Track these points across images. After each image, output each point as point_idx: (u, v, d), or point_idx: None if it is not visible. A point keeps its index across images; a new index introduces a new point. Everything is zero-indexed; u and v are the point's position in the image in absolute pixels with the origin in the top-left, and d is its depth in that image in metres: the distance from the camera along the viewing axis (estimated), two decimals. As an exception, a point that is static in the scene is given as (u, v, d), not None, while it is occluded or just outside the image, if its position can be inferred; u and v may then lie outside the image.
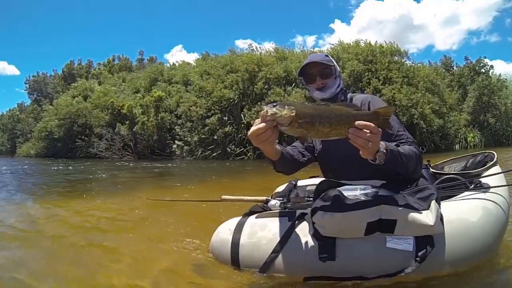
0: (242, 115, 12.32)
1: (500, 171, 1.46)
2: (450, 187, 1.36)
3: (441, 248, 1.05)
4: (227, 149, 12.18)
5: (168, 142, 14.20)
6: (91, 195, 3.84)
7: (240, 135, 12.28)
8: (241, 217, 1.29)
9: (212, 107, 12.53)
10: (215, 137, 12.31)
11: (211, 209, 2.43)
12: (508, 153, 9.69)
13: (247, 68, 12.65)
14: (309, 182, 1.64)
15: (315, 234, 1.09)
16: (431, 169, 1.67)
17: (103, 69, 25.58)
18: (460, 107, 16.77)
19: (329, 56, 1.42)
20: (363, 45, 14.17)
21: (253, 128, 0.97)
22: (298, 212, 1.21)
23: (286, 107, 0.94)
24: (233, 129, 12.29)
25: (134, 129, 14.72)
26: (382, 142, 1.03)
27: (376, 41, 14.42)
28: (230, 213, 2.16)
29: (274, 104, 0.96)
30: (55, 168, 9.24)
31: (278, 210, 1.29)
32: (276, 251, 1.12)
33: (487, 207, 1.19)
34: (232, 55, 14.63)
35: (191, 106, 12.85)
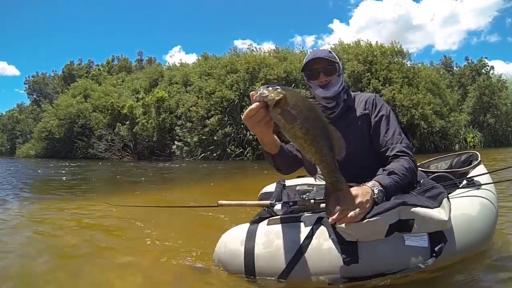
0: (241, 115, 12.28)
1: (485, 169, 1.60)
2: (444, 185, 1.41)
3: (451, 241, 1.15)
4: (227, 149, 12.17)
5: (168, 143, 14.17)
6: (85, 198, 3.81)
7: (239, 135, 12.26)
8: (248, 224, 1.24)
9: (213, 108, 12.51)
10: (215, 138, 12.29)
11: (210, 213, 2.41)
12: (508, 154, 9.68)
13: (248, 68, 12.61)
14: (298, 182, 1.64)
15: (338, 239, 1.09)
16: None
17: (102, 70, 25.55)
18: (460, 107, 16.77)
19: (333, 53, 1.38)
20: (363, 45, 14.16)
21: (246, 110, 0.96)
22: (314, 217, 1.18)
23: (277, 89, 0.90)
24: (233, 130, 12.28)
25: (134, 130, 14.69)
26: (375, 182, 1.10)
27: (376, 42, 14.44)
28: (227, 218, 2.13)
29: (268, 85, 0.93)
30: (54, 167, 9.22)
31: (290, 215, 1.24)
32: (296, 259, 1.10)
33: (483, 202, 1.33)
34: (233, 55, 14.57)
35: (191, 107, 12.82)
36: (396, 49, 14.17)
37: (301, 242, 1.11)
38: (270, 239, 1.14)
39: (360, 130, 1.30)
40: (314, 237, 1.12)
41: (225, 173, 7.10)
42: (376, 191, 1.07)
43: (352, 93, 1.40)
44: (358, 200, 1.00)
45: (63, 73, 28.86)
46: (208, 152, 12.45)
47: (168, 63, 20.59)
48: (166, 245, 1.76)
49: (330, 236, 1.11)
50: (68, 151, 18.12)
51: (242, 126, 12.25)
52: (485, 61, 18.83)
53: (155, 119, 14.10)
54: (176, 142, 13.54)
